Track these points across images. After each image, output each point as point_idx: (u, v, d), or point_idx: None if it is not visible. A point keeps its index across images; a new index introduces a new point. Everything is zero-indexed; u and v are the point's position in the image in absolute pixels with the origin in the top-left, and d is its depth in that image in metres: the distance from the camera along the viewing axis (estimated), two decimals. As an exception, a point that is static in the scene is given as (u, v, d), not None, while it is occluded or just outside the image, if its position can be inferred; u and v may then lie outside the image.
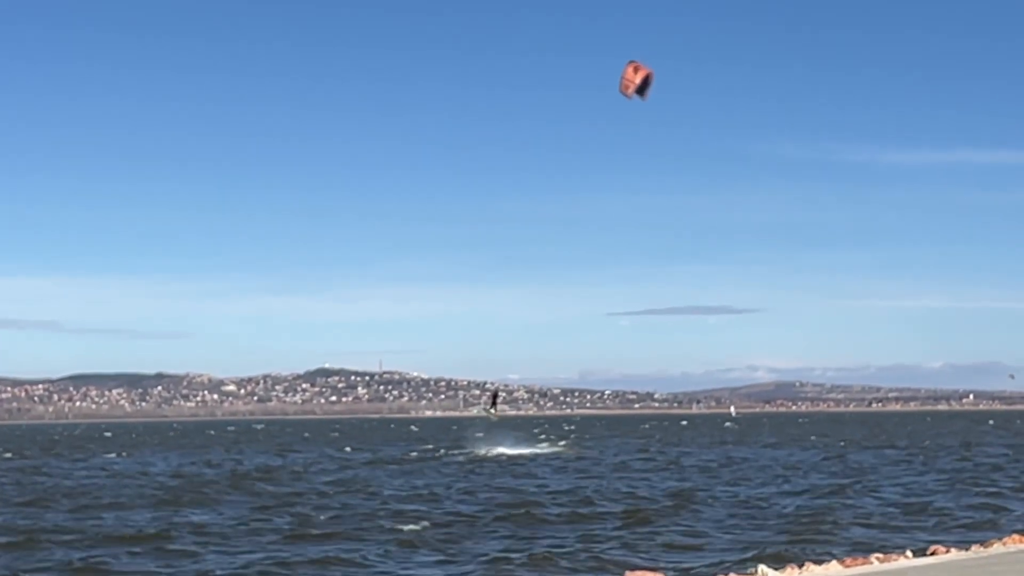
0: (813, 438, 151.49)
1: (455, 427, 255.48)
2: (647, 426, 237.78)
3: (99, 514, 53.72)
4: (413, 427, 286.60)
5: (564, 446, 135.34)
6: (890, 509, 51.29)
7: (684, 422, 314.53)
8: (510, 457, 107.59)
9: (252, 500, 60.61)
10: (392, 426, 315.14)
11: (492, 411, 48.43)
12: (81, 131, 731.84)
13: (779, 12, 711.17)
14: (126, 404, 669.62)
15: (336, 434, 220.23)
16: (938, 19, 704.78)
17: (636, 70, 41.64)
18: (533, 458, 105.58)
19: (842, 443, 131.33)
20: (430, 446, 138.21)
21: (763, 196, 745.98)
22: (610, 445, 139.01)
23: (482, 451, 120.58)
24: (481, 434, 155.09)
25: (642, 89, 41.24)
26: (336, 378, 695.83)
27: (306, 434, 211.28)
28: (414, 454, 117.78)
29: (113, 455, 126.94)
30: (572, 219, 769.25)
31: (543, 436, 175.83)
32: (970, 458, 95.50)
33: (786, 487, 64.48)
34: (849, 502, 54.27)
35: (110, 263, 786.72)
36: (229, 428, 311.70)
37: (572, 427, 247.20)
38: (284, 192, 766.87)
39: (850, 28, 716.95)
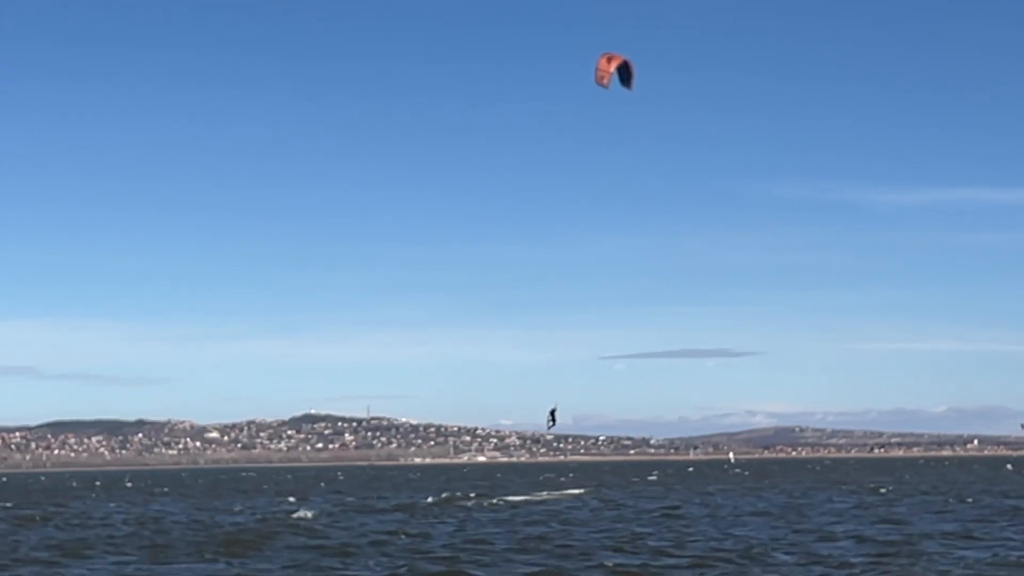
0: (844, 486, 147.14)
1: (444, 477, 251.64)
2: (654, 475, 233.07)
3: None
4: (412, 475, 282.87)
5: (582, 493, 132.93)
6: None
7: (691, 468, 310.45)
8: (542, 501, 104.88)
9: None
10: (388, 472, 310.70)
11: (551, 422, 45.75)
12: (56, 173, 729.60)
13: (773, 50, 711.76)
14: (105, 452, 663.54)
15: (342, 478, 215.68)
16: (941, 52, 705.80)
17: (610, 60, 38.59)
18: (575, 504, 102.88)
19: (883, 490, 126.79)
20: (458, 493, 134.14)
21: (759, 236, 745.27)
22: (639, 491, 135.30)
23: (519, 497, 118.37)
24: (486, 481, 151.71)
25: (626, 79, 38.42)
26: (322, 424, 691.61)
27: (322, 483, 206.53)
28: (462, 500, 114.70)
29: (163, 503, 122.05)
30: (564, 261, 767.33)
31: (563, 481, 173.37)
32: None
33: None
34: None
35: (89, 307, 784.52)
36: (243, 474, 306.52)
37: (571, 474, 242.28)
38: (267, 233, 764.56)
39: (846, 63, 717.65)
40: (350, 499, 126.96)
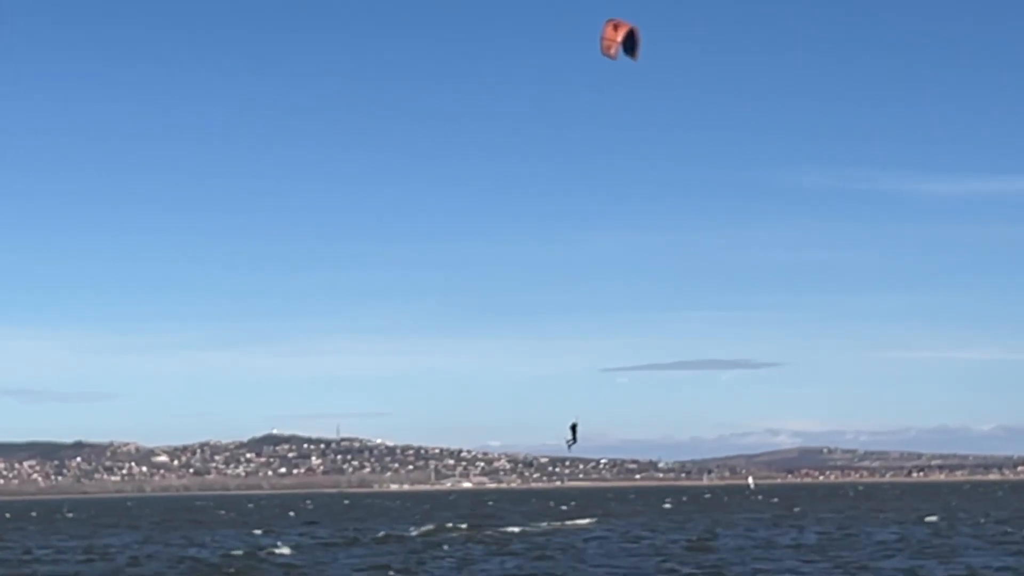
0: (881, 514, 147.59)
1: (428, 505, 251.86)
2: (668, 502, 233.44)
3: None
4: (390, 503, 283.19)
5: (593, 522, 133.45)
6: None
7: (707, 495, 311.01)
8: (549, 532, 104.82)
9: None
10: (355, 500, 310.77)
11: (573, 437, 45.81)
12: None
13: (797, 24, 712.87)
14: (39, 478, 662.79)
15: (311, 507, 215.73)
16: (987, 23, 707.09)
17: (616, 27, 39.06)
18: (600, 533, 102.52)
19: (983, 519, 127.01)
20: (449, 524, 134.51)
21: (784, 232, 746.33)
22: (650, 522, 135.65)
23: (518, 528, 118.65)
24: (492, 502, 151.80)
25: (631, 48, 38.92)
26: (286, 446, 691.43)
27: (292, 513, 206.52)
28: (453, 531, 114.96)
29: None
30: (561, 260, 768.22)
31: (566, 510, 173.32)
32: None
33: None
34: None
35: (20, 314, 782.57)
36: (197, 503, 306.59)
37: (572, 503, 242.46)
38: (223, 230, 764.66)
39: (877, 37, 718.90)
40: (323, 532, 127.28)
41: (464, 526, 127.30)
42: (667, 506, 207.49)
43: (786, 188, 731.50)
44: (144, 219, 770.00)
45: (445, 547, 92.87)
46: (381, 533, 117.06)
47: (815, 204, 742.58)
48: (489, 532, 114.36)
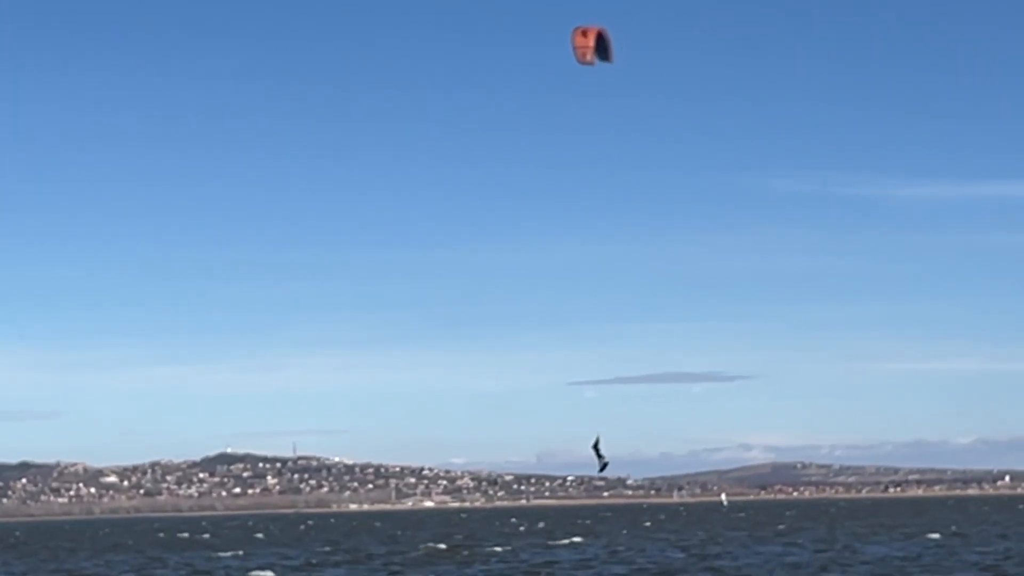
0: (910, 528, 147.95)
1: (379, 523, 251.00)
2: (648, 522, 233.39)
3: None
4: (377, 523, 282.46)
5: (583, 541, 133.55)
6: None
7: (683, 510, 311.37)
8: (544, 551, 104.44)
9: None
10: (325, 520, 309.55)
11: (601, 458, 44.88)
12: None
13: (771, 25, 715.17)
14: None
15: (261, 535, 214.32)
16: (969, 23, 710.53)
17: (585, 33, 39.57)
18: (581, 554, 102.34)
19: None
20: (442, 545, 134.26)
21: (756, 239, 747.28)
22: (631, 542, 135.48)
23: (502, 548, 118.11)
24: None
25: (604, 52, 39.52)
26: (240, 465, 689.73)
27: (259, 535, 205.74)
28: (442, 553, 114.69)
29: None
30: (525, 269, 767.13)
31: (544, 528, 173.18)
32: None
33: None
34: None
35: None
36: (156, 525, 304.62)
37: (541, 524, 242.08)
38: (172, 241, 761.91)
39: (852, 44, 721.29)
40: (294, 553, 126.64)
41: (443, 546, 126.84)
42: (648, 524, 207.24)
43: (758, 193, 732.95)
44: (89, 230, 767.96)
45: (439, 567, 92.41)
46: (371, 552, 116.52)
47: (788, 210, 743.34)
48: (469, 552, 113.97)
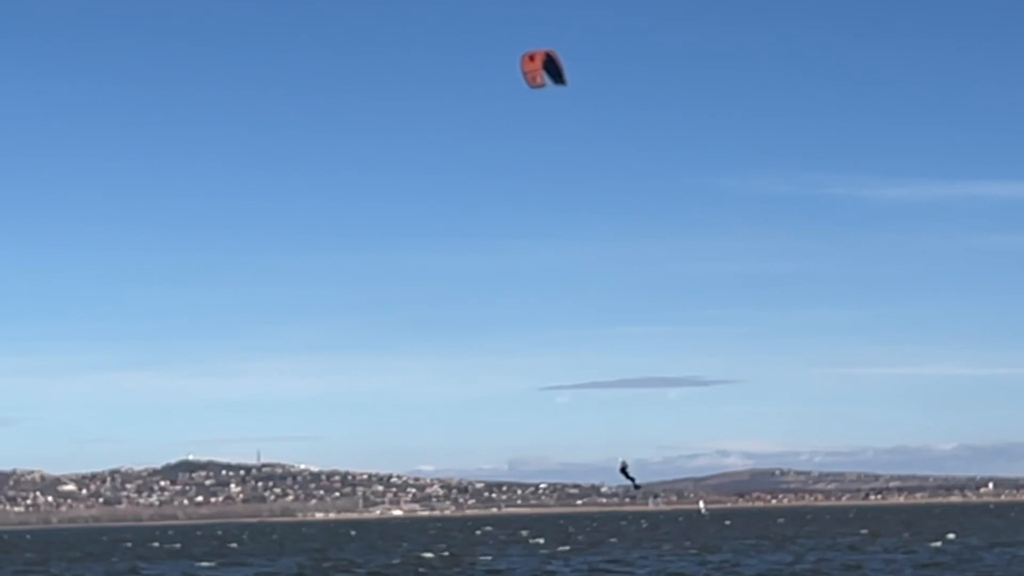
0: (907, 535, 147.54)
1: (352, 531, 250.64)
2: (632, 528, 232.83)
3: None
4: (352, 531, 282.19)
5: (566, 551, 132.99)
6: None
7: (662, 517, 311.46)
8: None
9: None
10: (296, 529, 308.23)
11: (633, 481, 44.49)
12: None
13: (747, 30, 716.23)
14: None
15: (234, 544, 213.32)
16: (950, 25, 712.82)
17: (532, 58, 40.19)
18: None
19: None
20: (428, 554, 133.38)
21: (733, 241, 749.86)
22: (631, 554, 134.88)
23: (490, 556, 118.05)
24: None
25: (556, 74, 39.85)
26: (203, 473, 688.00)
27: (234, 544, 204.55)
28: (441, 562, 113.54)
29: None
30: (497, 272, 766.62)
31: (527, 535, 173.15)
32: None
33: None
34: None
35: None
36: (124, 534, 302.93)
37: (524, 532, 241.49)
38: (132, 243, 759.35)
39: (830, 45, 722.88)
40: (285, 563, 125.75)
41: (430, 555, 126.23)
42: (649, 531, 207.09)
43: (737, 194, 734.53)
44: (46, 232, 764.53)
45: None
46: (358, 562, 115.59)
47: (766, 211, 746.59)
48: (471, 561, 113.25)
